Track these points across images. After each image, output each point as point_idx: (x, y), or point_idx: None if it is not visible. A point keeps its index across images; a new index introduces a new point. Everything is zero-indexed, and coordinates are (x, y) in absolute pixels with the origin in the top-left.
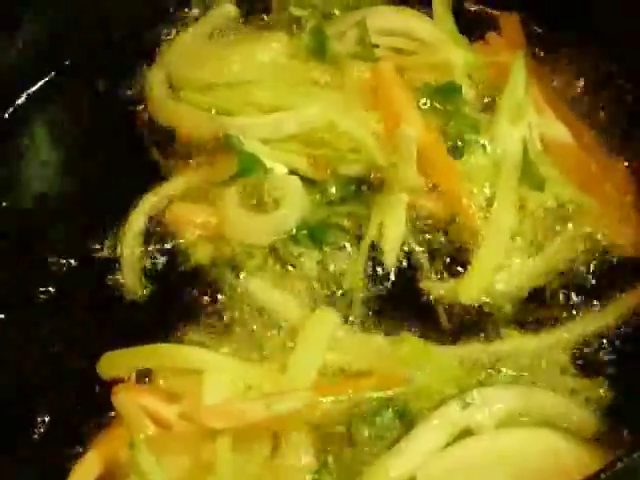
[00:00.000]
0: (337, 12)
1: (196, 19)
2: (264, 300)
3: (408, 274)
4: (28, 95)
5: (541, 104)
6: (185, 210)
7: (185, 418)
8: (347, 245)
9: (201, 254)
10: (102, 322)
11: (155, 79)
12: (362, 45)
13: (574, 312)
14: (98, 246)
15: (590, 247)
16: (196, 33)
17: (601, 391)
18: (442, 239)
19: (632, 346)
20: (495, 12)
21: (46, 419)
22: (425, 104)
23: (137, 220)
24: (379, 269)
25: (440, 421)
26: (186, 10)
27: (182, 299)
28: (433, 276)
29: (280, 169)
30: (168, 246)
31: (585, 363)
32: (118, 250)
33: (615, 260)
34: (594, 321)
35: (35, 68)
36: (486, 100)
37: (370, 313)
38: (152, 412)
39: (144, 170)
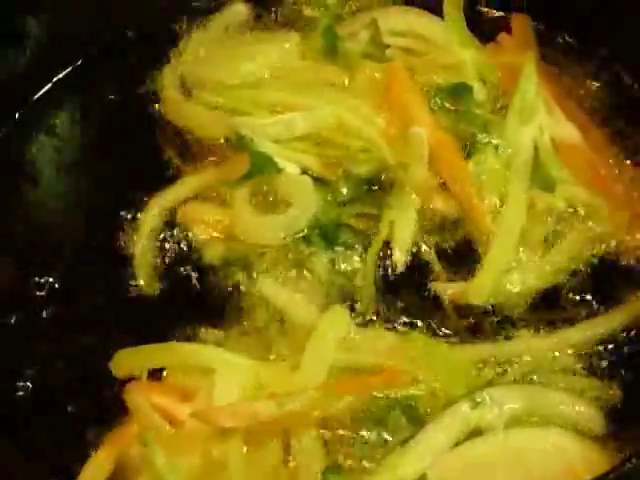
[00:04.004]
0: (349, 12)
1: (209, 12)
2: (275, 299)
3: (419, 274)
4: (42, 94)
5: (551, 105)
6: (197, 210)
7: (197, 417)
8: (358, 245)
9: (213, 253)
10: (115, 320)
11: (168, 79)
12: (374, 45)
13: (584, 313)
14: (111, 244)
15: (600, 248)
16: (208, 33)
17: (610, 391)
18: (453, 239)
19: None
20: (506, 14)
21: (58, 416)
22: (436, 104)
23: (150, 219)
24: (390, 269)
25: (450, 420)
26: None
27: (194, 298)
28: (443, 276)
29: (292, 169)
30: (180, 245)
31: (595, 364)
32: (131, 248)
33: (625, 261)
34: (604, 322)
35: (48, 68)
36: (497, 101)
37: (381, 313)
38: (164, 410)
39: (157, 169)
